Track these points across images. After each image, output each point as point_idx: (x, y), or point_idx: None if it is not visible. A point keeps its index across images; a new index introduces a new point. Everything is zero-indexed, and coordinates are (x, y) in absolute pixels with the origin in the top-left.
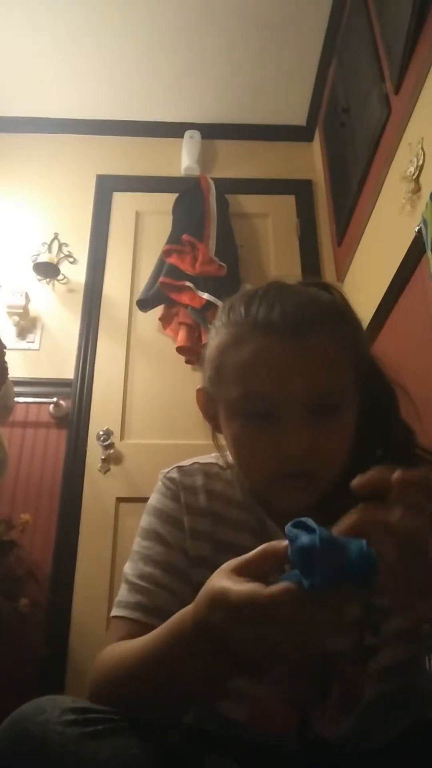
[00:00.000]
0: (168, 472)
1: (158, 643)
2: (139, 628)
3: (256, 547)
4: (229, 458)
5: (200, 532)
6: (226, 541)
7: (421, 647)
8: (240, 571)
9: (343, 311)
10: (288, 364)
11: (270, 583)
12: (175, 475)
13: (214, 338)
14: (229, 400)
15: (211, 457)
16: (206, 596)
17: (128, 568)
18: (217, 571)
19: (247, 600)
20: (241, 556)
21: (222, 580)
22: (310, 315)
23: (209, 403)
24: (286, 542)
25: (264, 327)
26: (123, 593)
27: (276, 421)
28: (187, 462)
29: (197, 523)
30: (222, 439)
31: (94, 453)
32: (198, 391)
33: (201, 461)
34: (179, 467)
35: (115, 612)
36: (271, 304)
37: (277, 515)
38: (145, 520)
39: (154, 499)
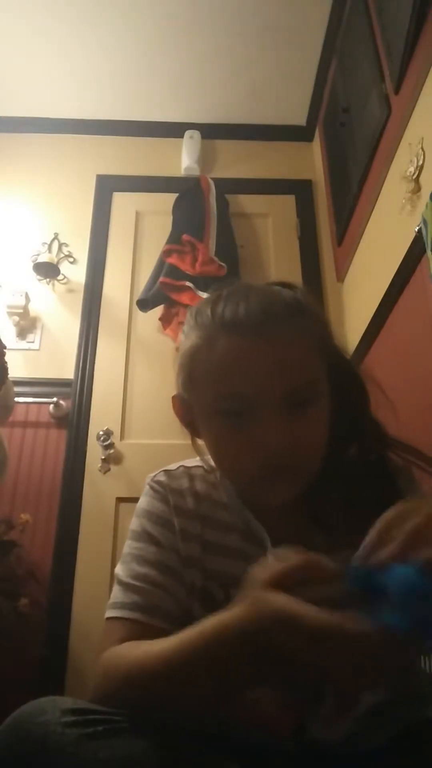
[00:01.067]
0: (155, 476)
1: (186, 647)
2: (138, 629)
3: (243, 547)
4: (212, 461)
5: (190, 534)
6: (214, 542)
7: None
8: (276, 584)
9: (306, 306)
10: (259, 361)
11: (295, 595)
12: (162, 478)
13: (183, 343)
14: (205, 403)
15: (196, 461)
16: (259, 610)
17: (120, 570)
18: (252, 582)
19: (330, 629)
20: (232, 556)
21: (278, 597)
22: (274, 311)
23: (185, 409)
24: (334, 564)
25: (231, 326)
26: (117, 594)
27: (253, 419)
28: (173, 466)
29: (187, 525)
30: (202, 443)
31: (94, 453)
32: (173, 398)
33: (187, 464)
34: (166, 471)
35: (110, 613)
36: (236, 304)
37: (263, 515)
38: (136, 523)
39: (144, 502)
